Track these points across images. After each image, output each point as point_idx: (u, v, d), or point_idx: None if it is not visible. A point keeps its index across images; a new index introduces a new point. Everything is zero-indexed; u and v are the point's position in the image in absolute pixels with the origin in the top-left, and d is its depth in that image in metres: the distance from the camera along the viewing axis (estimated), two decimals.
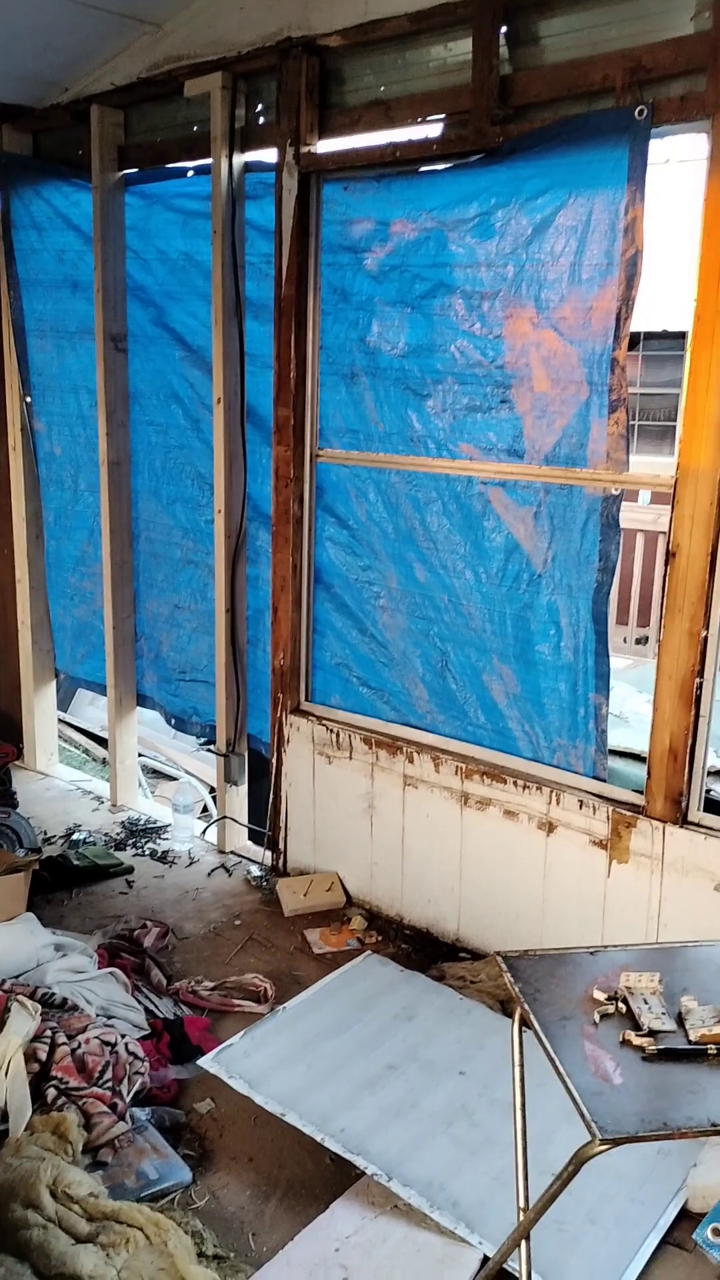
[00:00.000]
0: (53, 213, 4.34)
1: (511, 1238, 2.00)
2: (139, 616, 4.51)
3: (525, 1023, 1.95)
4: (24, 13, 3.49)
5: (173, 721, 4.58)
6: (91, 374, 4.25)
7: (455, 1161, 2.49)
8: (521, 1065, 2.04)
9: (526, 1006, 1.93)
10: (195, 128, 3.83)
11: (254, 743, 4.17)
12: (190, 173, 3.91)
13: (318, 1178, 2.51)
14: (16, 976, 2.93)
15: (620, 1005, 1.93)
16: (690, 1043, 1.83)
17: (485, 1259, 2.23)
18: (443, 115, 3.14)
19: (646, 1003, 1.92)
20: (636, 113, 2.72)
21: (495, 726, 3.39)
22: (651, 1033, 1.85)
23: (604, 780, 3.16)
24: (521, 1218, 1.97)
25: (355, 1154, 2.47)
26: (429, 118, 3.17)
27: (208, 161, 3.71)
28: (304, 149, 3.43)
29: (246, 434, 3.90)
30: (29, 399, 4.62)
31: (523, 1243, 1.96)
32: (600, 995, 1.95)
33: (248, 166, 3.70)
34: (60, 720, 5.39)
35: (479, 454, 3.26)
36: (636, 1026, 1.87)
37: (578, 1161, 1.67)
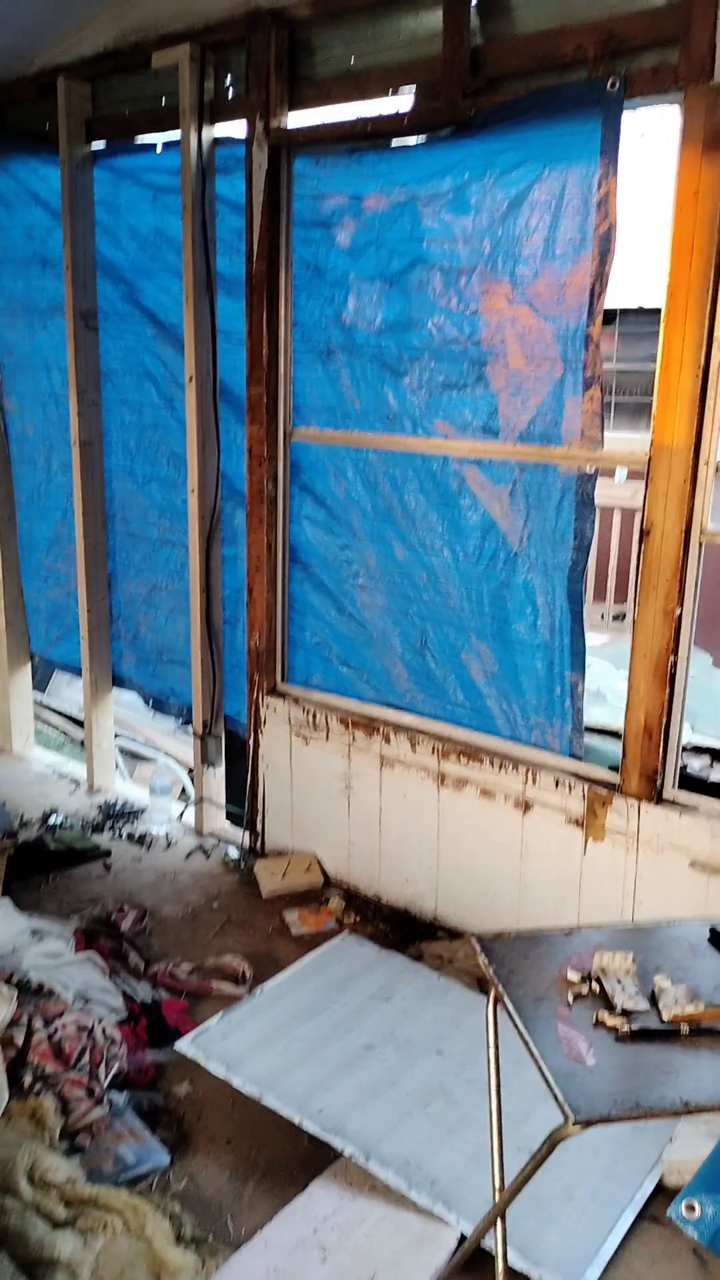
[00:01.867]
0: (20, 188, 4.26)
1: (487, 1216, 2.01)
2: (116, 598, 4.47)
3: (500, 1004, 1.95)
4: None
5: (151, 702, 4.56)
6: (63, 352, 4.19)
7: (433, 1140, 2.50)
8: (496, 1047, 2.05)
9: (501, 989, 1.93)
10: (164, 100, 3.76)
11: (232, 724, 4.15)
12: (159, 147, 3.84)
13: (296, 1159, 2.52)
14: None
15: (594, 985, 1.94)
16: (663, 1022, 1.84)
17: (463, 1237, 2.24)
18: (414, 87, 3.09)
19: (620, 983, 1.92)
20: (609, 84, 2.68)
21: (474, 705, 3.39)
22: (625, 1013, 1.86)
23: (580, 759, 3.17)
24: (497, 1197, 1.97)
25: (333, 1134, 2.47)
26: (400, 90, 3.12)
27: (176, 135, 3.64)
28: (274, 122, 3.37)
29: (220, 412, 3.86)
30: None
31: (499, 1221, 1.97)
32: (574, 976, 1.96)
33: (218, 140, 3.64)
34: (38, 703, 5.35)
35: (454, 432, 3.23)
36: (610, 1007, 1.88)
37: (551, 1142, 1.68)
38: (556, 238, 2.89)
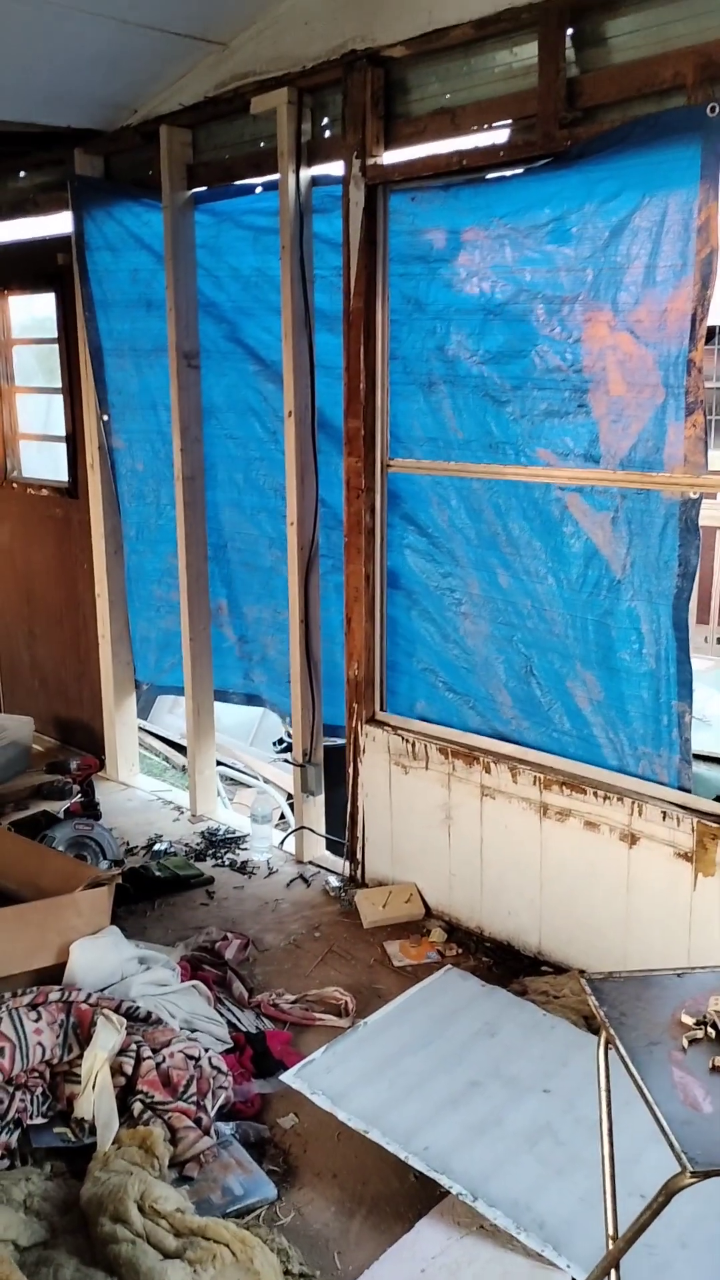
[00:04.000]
0: (125, 233, 4.41)
1: (601, 1266, 1.97)
2: (240, 622, 4.58)
3: (611, 1046, 1.91)
4: (93, 39, 3.55)
5: (287, 719, 4.62)
6: (168, 391, 4.30)
7: (541, 1181, 2.46)
8: (608, 1091, 2.01)
9: (612, 1031, 1.89)
10: (262, 144, 3.85)
11: (332, 732, 4.18)
12: (259, 189, 3.94)
13: (402, 1195, 2.50)
14: (102, 990, 2.97)
15: (709, 1030, 1.88)
16: None
17: None
18: (509, 120, 3.11)
19: None
20: (709, 110, 2.65)
21: (580, 734, 3.34)
22: None
23: (688, 790, 3.09)
24: (611, 1246, 1.93)
25: (439, 1172, 2.45)
26: (495, 124, 3.14)
27: (275, 177, 3.73)
28: (370, 160, 3.43)
29: (320, 444, 3.91)
30: (106, 417, 4.70)
31: (613, 1271, 1.93)
32: (688, 1019, 1.91)
33: (315, 180, 3.71)
34: (140, 728, 5.47)
35: (556, 459, 3.22)
36: None
37: (668, 1193, 1.63)
38: (657, 264, 2.87)
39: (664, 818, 3.05)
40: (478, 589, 3.54)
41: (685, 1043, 1.86)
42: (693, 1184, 1.60)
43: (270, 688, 4.62)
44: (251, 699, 4.76)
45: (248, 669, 4.66)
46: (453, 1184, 2.42)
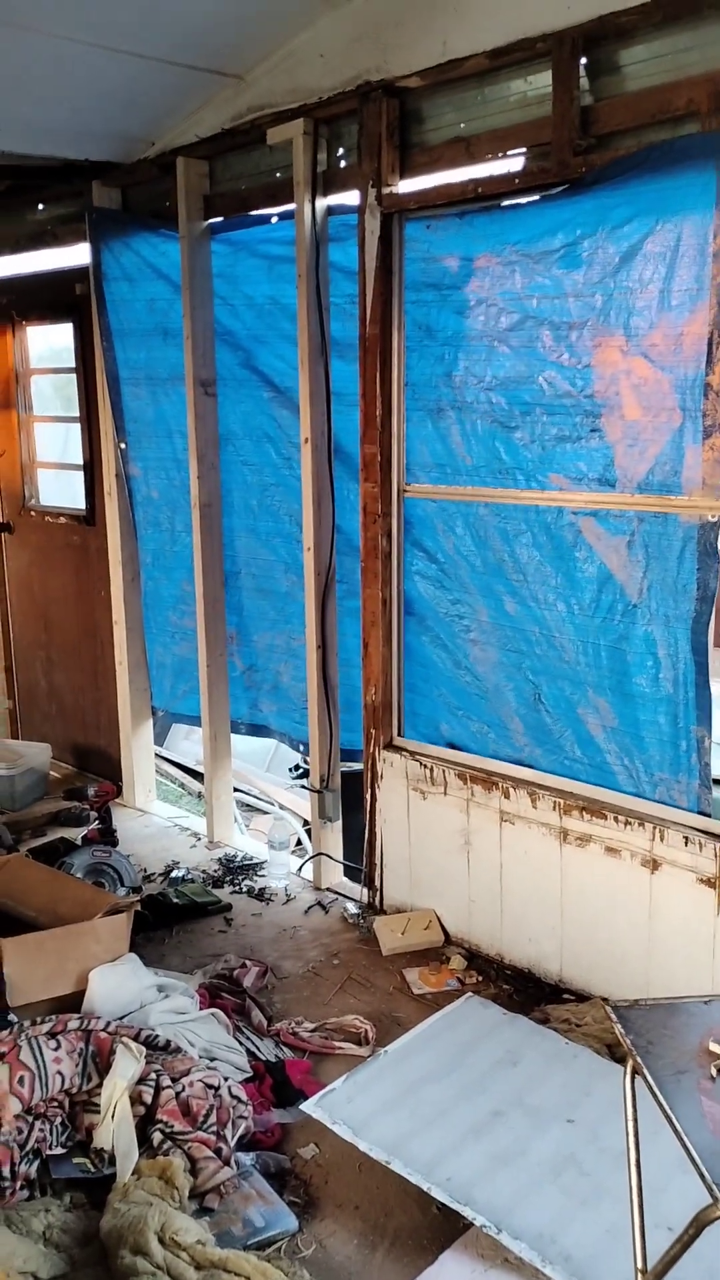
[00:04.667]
0: (142, 263, 4.46)
1: None
2: (250, 650, 4.57)
3: (638, 1075, 1.89)
4: (110, 73, 3.61)
5: (301, 748, 4.60)
6: (184, 419, 4.33)
7: (566, 1212, 2.42)
8: (635, 1120, 1.98)
9: (639, 1059, 1.87)
10: (278, 174, 3.90)
11: (348, 757, 4.15)
12: (274, 218, 3.97)
13: (425, 1227, 2.47)
14: (121, 1018, 2.95)
15: None
16: None
17: None
18: (524, 149, 3.14)
19: None
20: None
21: (592, 760, 3.33)
22: None
23: (709, 815, 3.07)
24: (639, 1279, 1.90)
25: (463, 1204, 2.41)
26: (510, 152, 3.17)
27: (291, 207, 3.77)
28: (386, 189, 3.46)
29: (335, 471, 3.93)
30: (123, 445, 4.74)
31: None
32: (717, 1048, 1.88)
33: (330, 209, 3.75)
34: (156, 755, 5.47)
35: (569, 484, 3.22)
36: None
37: (699, 1225, 1.61)
38: (672, 289, 2.88)
39: (686, 843, 3.02)
40: (485, 616, 3.53)
41: (714, 1071, 1.84)
42: None
43: (280, 717, 4.58)
44: (257, 729, 4.69)
45: (255, 699, 4.63)
46: (476, 1215, 2.38)
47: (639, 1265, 1.92)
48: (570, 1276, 2.24)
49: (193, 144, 4.08)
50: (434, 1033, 3.11)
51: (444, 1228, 2.45)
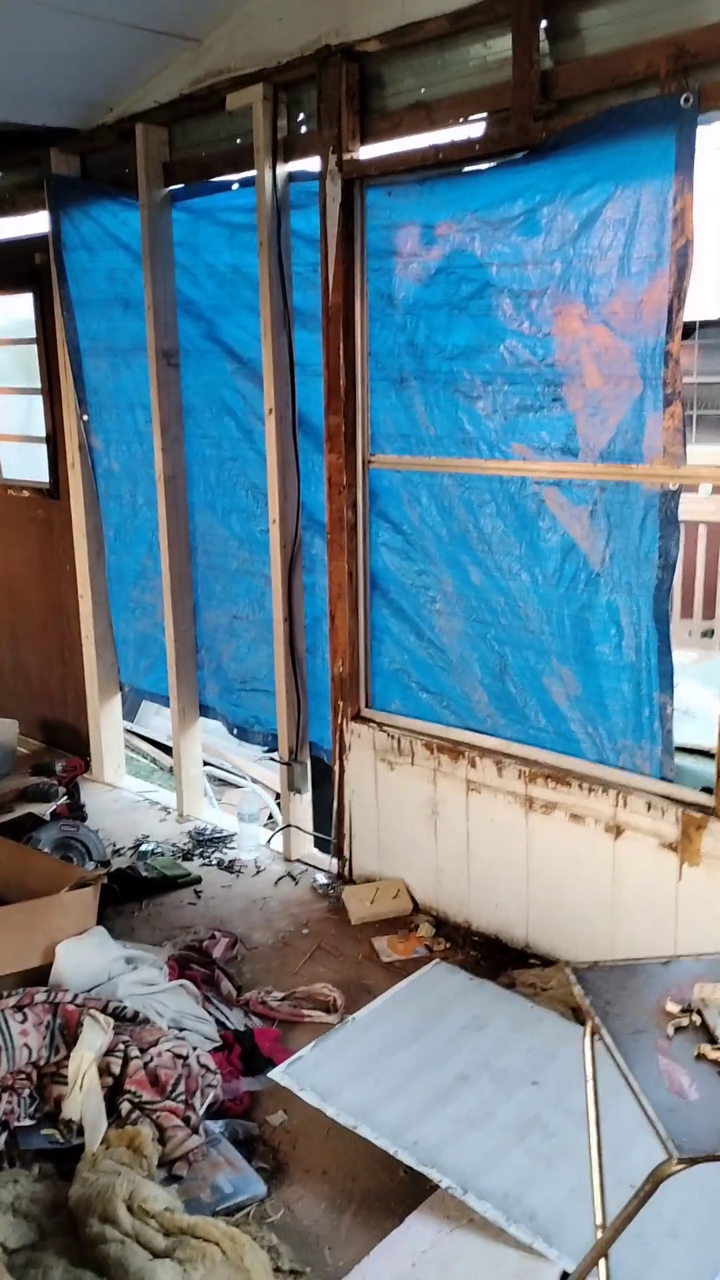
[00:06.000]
0: (102, 232, 4.39)
1: (590, 1255, 1.97)
2: (199, 628, 4.54)
3: (598, 1036, 1.91)
4: (66, 35, 3.54)
5: (235, 731, 4.61)
6: (146, 390, 4.29)
7: (531, 1173, 2.46)
8: (595, 1081, 2.01)
9: (598, 1020, 1.89)
10: (239, 140, 3.84)
11: (316, 750, 4.18)
12: (235, 185, 3.92)
13: (392, 1190, 2.50)
14: (88, 990, 2.96)
15: (695, 1018, 1.89)
16: None
17: (565, 1274, 2.19)
18: (484, 114, 3.11)
19: None
20: (682, 100, 2.66)
21: (557, 729, 3.35)
22: None
23: (672, 781, 3.10)
24: (599, 1235, 1.93)
25: (429, 1167, 2.45)
26: (471, 117, 3.14)
27: (252, 174, 3.72)
28: (346, 156, 3.42)
29: (299, 443, 3.91)
30: (86, 417, 4.68)
31: (602, 1259, 1.93)
32: (674, 1007, 1.91)
33: (291, 176, 3.71)
34: (127, 730, 5.46)
35: (532, 454, 3.22)
36: (712, 1040, 1.83)
37: (655, 1180, 1.63)
38: (632, 255, 2.87)
39: (649, 809, 3.05)
40: (451, 587, 3.54)
41: (671, 1031, 1.86)
42: (679, 1171, 1.60)
43: (222, 698, 4.54)
44: (204, 710, 4.62)
45: (203, 679, 4.59)
46: (442, 1178, 2.41)
47: (599, 1221, 1.95)
48: (534, 1234, 2.28)
49: (151, 109, 4.02)
50: (402, 999, 3.13)
51: (411, 1191, 2.48)
